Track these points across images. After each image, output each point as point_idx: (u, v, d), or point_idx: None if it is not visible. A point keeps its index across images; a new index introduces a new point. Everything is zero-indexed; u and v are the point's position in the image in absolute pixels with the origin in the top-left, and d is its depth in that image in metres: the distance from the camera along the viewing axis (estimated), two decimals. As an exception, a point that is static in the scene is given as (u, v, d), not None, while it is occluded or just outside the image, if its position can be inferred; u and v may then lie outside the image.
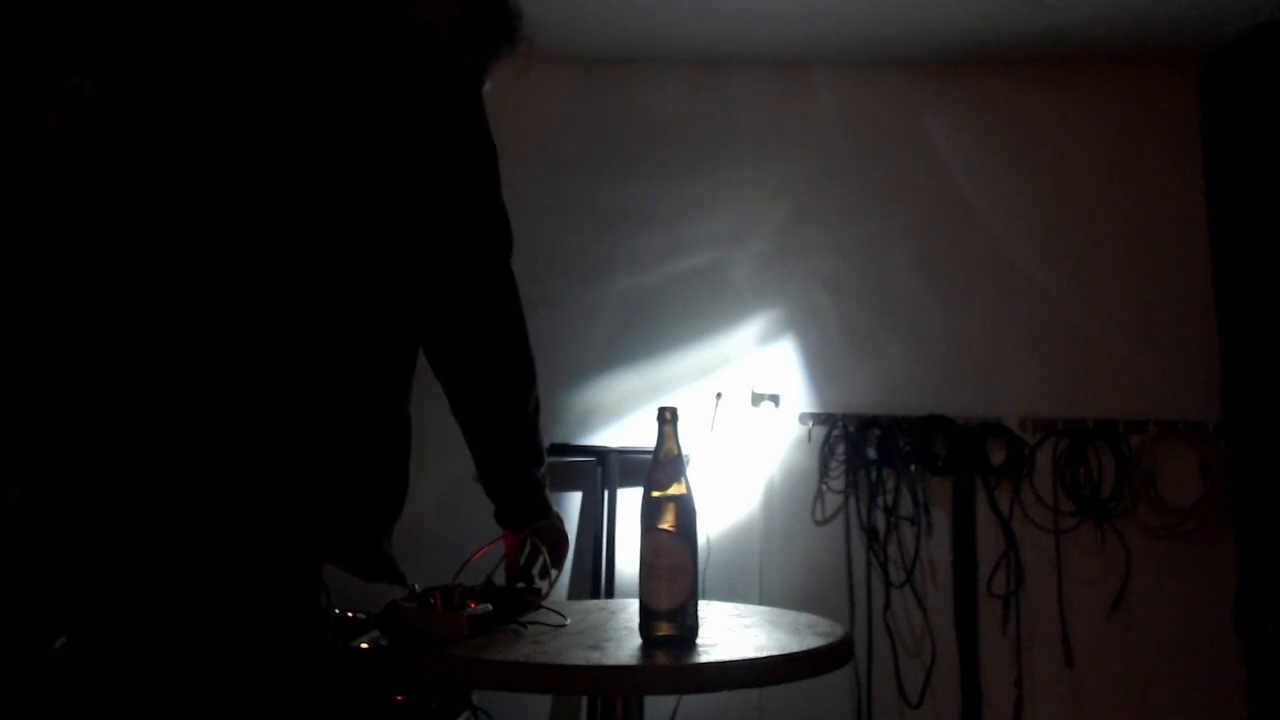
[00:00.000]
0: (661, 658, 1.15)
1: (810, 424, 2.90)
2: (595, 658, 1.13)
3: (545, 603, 1.45)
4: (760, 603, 2.60)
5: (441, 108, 1.21)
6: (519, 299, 1.29)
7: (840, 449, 2.88)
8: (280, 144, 1.11)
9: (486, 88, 1.37)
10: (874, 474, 2.85)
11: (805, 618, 1.44)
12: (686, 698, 2.60)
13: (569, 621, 1.38)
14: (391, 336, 1.20)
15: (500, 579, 1.47)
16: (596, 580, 2.69)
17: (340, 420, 1.11)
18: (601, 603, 1.66)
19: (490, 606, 1.34)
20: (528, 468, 1.39)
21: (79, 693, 1.03)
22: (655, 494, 1.25)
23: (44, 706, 1.07)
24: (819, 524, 2.87)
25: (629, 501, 2.75)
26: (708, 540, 2.78)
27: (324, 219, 1.12)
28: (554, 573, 1.48)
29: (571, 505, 2.86)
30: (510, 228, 1.28)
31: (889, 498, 2.84)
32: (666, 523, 1.23)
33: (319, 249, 1.11)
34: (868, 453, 2.86)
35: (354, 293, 1.14)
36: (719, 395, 2.90)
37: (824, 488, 2.88)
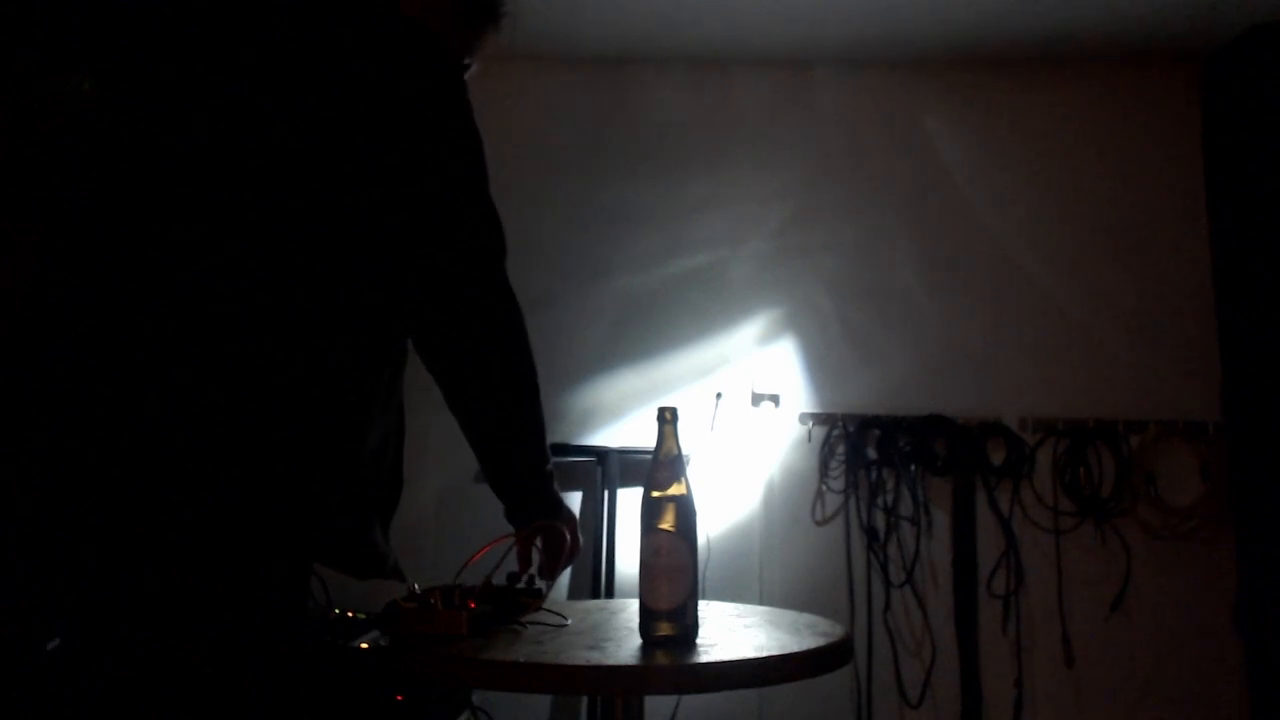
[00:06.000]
0: (661, 658, 1.15)
1: (810, 424, 2.90)
2: (595, 658, 1.13)
3: (545, 603, 1.45)
4: (760, 603, 2.60)
5: (426, 100, 1.20)
6: (512, 297, 1.27)
7: (840, 449, 2.88)
8: (277, 145, 1.11)
9: (472, 71, 1.37)
10: (874, 474, 2.85)
11: (805, 618, 1.44)
12: (686, 698, 2.60)
13: (569, 621, 1.38)
14: (381, 334, 1.19)
15: (500, 579, 1.47)
16: (596, 580, 2.69)
17: (327, 421, 1.11)
18: (601, 603, 1.66)
19: (490, 606, 1.34)
20: (529, 468, 1.36)
21: (71, 694, 1.03)
22: (655, 494, 1.25)
23: (36, 707, 1.07)
24: (819, 524, 2.87)
25: (629, 501, 2.75)
26: (708, 540, 2.78)
27: (318, 218, 1.12)
28: (548, 581, 1.46)
29: (571, 505, 2.85)
30: (498, 221, 1.25)
31: (889, 498, 2.84)
32: (666, 523, 1.23)
33: (313, 248, 1.11)
34: (868, 453, 2.86)
35: (342, 291, 1.13)
36: (719, 395, 2.90)
37: (824, 488, 2.88)
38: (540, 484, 1.37)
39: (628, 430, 2.88)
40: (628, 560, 2.69)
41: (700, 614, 1.28)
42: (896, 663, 2.77)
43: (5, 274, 1.13)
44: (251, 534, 1.05)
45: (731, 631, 1.31)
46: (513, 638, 1.26)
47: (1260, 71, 2.79)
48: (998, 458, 2.86)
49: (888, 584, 2.80)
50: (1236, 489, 2.77)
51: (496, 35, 1.47)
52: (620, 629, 1.34)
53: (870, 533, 2.82)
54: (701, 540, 2.34)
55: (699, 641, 1.23)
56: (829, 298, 2.97)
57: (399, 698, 2.06)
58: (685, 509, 1.25)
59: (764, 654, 1.15)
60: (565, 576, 2.78)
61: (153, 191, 1.10)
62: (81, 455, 1.03)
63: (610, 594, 2.66)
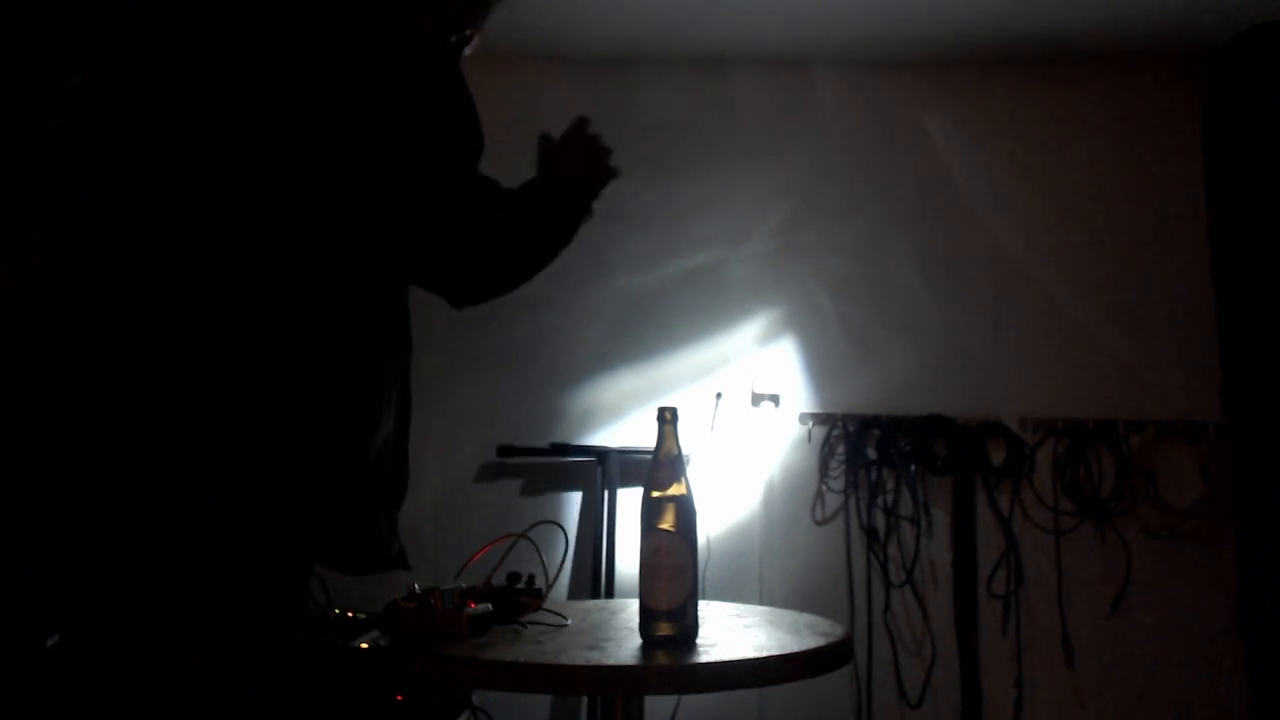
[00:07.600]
0: (661, 658, 1.15)
1: (810, 424, 2.90)
2: (595, 658, 1.13)
3: (545, 603, 1.45)
4: (760, 603, 2.60)
5: (426, 100, 1.20)
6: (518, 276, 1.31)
7: (840, 449, 2.88)
8: (277, 145, 1.11)
9: (470, 49, 1.37)
10: (874, 474, 2.85)
11: (805, 618, 1.44)
12: (686, 698, 2.60)
13: (569, 621, 1.38)
14: (381, 335, 1.19)
15: (500, 579, 1.47)
16: (596, 580, 2.69)
17: (327, 421, 1.10)
18: (601, 603, 1.66)
19: (490, 606, 1.34)
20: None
21: (71, 693, 1.03)
22: (655, 494, 1.25)
23: (36, 707, 1.07)
24: (819, 524, 2.87)
25: (629, 501, 2.74)
26: (708, 540, 2.78)
27: (318, 218, 1.12)
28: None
29: (571, 505, 2.86)
30: (506, 220, 1.27)
31: (889, 498, 2.84)
32: (666, 523, 1.24)
33: (313, 248, 1.11)
34: (868, 453, 2.86)
35: (342, 291, 1.13)
36: (719, 395, 2.89)
37: (824, 488, 2.87)
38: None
39: (628, 430, 2.88)
40: (628, 560, 2.69)
41: (700, 614, 1.28)
42: (896, 663, 2.77)
43: (5, 274, 1.13)
44: (251, 534, 1.05)
45: (731, 631, 1.31)
46: (513, 638, 1.26)
47: (1260, 71, 2.79)
48: (998, 458, 2.86)
49: (888, 584, 2.80)
50: (1236, 489, 2.77)
51: (500, 8, 1.46)
52: (620, 629, 1.34)
53: (870, 533, 2.82)
54: (701, 540, 2.34)
55: (699, 641, 1.23)
56: (829, 298, 2.97)
57: (399, 698, 2.06)
58: (685, 509, 1.25)
59: (764, 654, 1.15)
60: (565, 576, 2.78)
61: (152, 191, 1.10)
62: (81, 455, 1.02)
63: (610, 594, 2.66)
